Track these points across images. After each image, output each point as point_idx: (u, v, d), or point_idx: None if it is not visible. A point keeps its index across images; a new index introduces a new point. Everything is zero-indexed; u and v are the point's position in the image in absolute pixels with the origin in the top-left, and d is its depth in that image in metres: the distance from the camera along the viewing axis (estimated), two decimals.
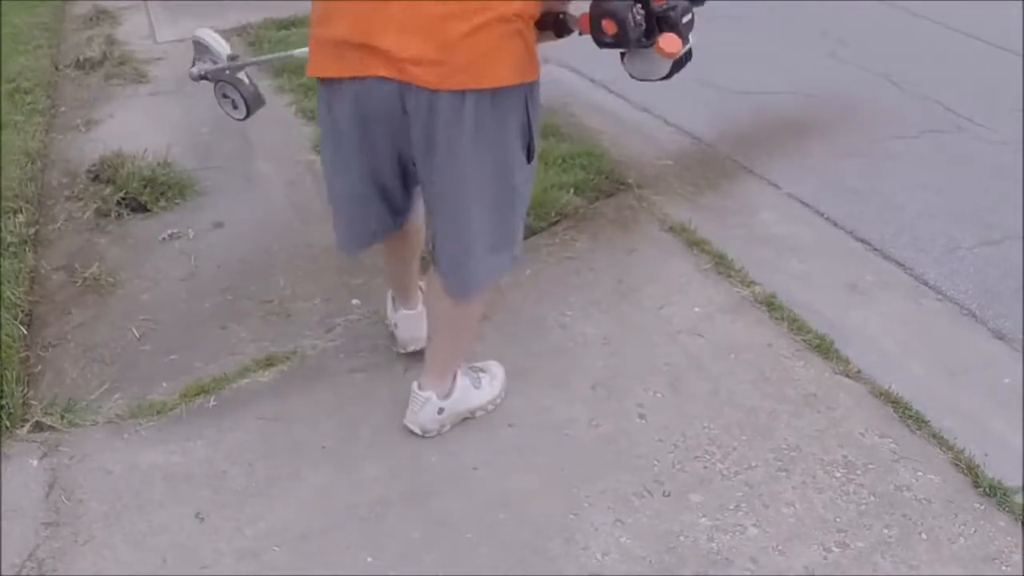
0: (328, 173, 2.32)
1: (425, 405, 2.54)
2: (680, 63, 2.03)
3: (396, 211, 2.41)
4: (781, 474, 2.59)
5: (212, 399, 2.80)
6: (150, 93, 4.79)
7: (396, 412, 2.70)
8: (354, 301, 3.20)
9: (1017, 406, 2.88)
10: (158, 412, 2.72)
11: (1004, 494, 2.53)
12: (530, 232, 3.55)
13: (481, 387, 2.65)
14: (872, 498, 2.53)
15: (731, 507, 2.47)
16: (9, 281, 3.07)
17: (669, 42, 1.92)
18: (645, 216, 3.69)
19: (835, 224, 3.81)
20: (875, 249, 3.67)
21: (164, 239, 3.50)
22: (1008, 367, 3.11)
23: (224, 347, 3.01)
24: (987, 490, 2.58)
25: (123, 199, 3.60)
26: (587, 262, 3.42)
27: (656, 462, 2.60)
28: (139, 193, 3.61)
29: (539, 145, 2.19)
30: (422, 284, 2.80)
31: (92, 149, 4.10)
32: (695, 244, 3.51)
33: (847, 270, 3.53)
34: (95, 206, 3.68)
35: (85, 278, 3.27)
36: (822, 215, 3.87)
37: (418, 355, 2.81)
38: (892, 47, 5.49)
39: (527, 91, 2.10)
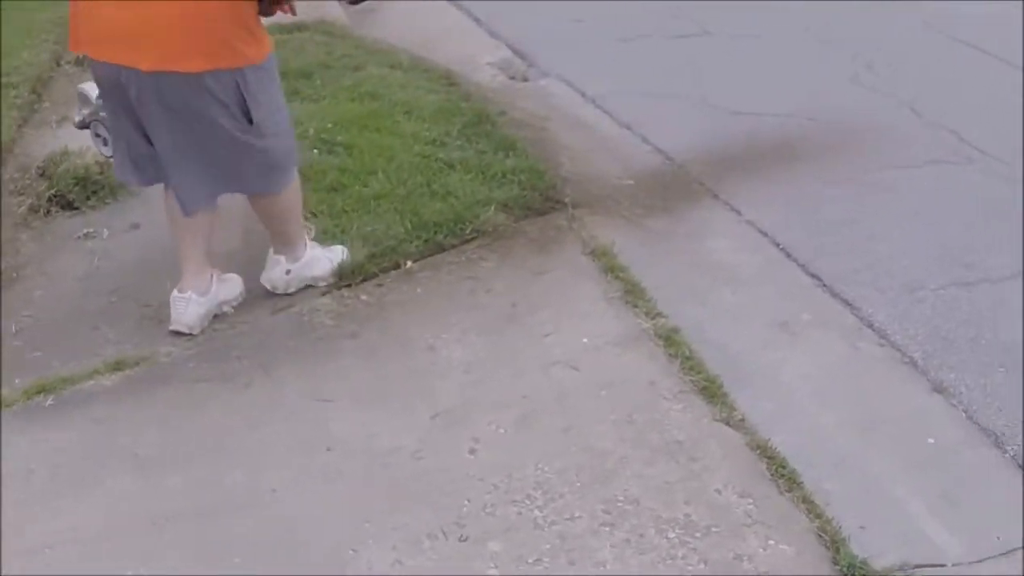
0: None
1: (275, 266, 3.04)
2: None
3: None
4: (604, 529, 2.27)
5: (51, 398, 2.71)
6: None
7: (223, 425, 2.58)
8: (227, 309, 3.02)
9: (935, 471, 2.47)
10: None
11: None
12: (438, 248, 3.32)
13: (321, 262, 3.12)
14: (702, 566, 2.19)
15: (530, 560, 2.18)
16: None
17: None
18: (570, 238, 3.40)
19: (788, 255, 3.43)
20: (824, 285, 3.28)
21: (79, 237, 3.43)
22: (938, 425, 2.70)
23: (87, 348, 2.91)
24: (845, 569, 2.19)
25: (54, 196, 3.54)
26: (487, 283, 3.15)
27: (467, 502, 2.32)
28: (69, 191, 3.54)
29: None
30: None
31: (54, 146, 4.07)
32: (612, 270, 3.20)
33: (784, 306, 3.15)
34: (30, 202, 3.64)
35: None
36: (778, 245, 3.49)
37: (263, 367, 2.81)
38: (922, 73, 4.99)
39: None
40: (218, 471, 2.45)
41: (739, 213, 3.68)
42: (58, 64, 4.95)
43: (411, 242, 3.31)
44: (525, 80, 5.01)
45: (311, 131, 4.08)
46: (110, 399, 2.70)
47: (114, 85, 2.56)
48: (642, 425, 2.57)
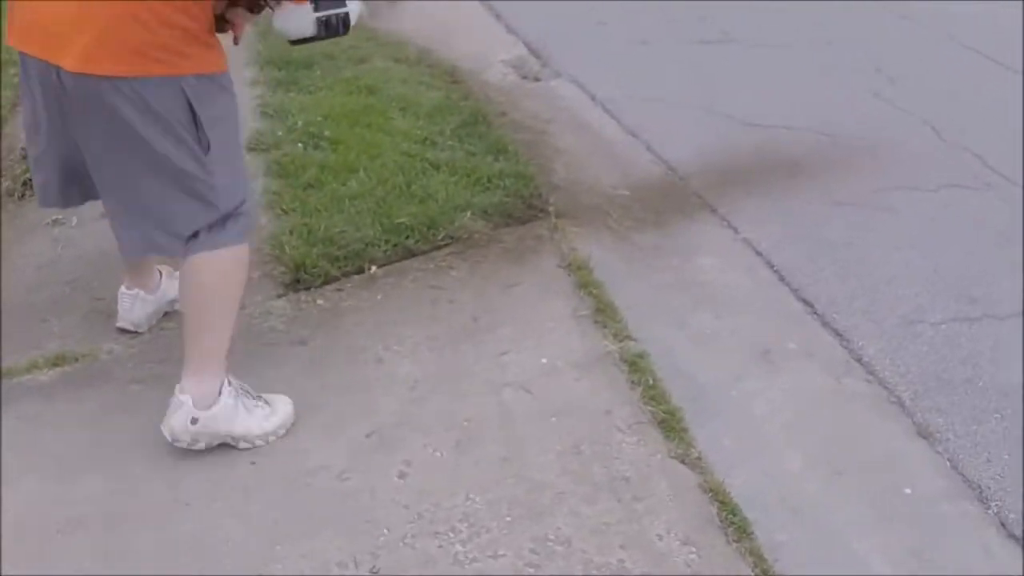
0: None
1: (178, 410, 2.27)
2: (331, 25, 1.97)
3: None
4: (528, 570, 2.12)
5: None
6: None
7: (151, 429, 2.42)
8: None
9: (906, 524, 2.28)
10: None
11: None
12: (407, 254, 3.18)
13: (252, 416, 2.34)
14: None
15: None
16: None
17: None
18: (548, 249, 3.24)
19: (782, 278, 3.24)
20: (816, 313, 3.09)
21: (48, 224, 3.35)
22: (918, 473, 2.51)
23: (31, 340, 2.82)
24: None
25: (29, 180, 3.45)
26: (451, 293, 3.01)
27: (386, 531, 2.19)
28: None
29: None
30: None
31: None
32: (585, 286, 3.04)
33: (769, 333, 2.97)
34: (7, 184, 3.56)
35: None
36: (772, 267, 3.30)
37: None
38: (948, 91, 4.74)
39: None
40: (136, 478, 2.33)
41: (736, 231, 3.49)
42: None
43: (379, 246, 3.18)
44: (536, 80, 4.85)
45: (300, 124, 3.97)
46: (43, 396, 2.60)
47: (44, 84, 2.05)
48: (589, 457, 2.41)
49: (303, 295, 2.99)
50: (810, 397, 2.74)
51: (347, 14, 2.01)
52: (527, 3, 5.69)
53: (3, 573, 1.94)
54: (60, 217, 3.36)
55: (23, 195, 3.54)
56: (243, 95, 4.10)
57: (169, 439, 2.30)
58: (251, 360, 2.70)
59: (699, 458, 2.43)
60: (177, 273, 2.58)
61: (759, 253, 3.37)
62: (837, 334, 3.00)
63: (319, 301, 2.97)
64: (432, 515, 2.24)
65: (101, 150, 2.08)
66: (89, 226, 3.35)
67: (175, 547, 2.16)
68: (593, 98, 4.56)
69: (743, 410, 2.64)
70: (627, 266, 3.24)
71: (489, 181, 3.59)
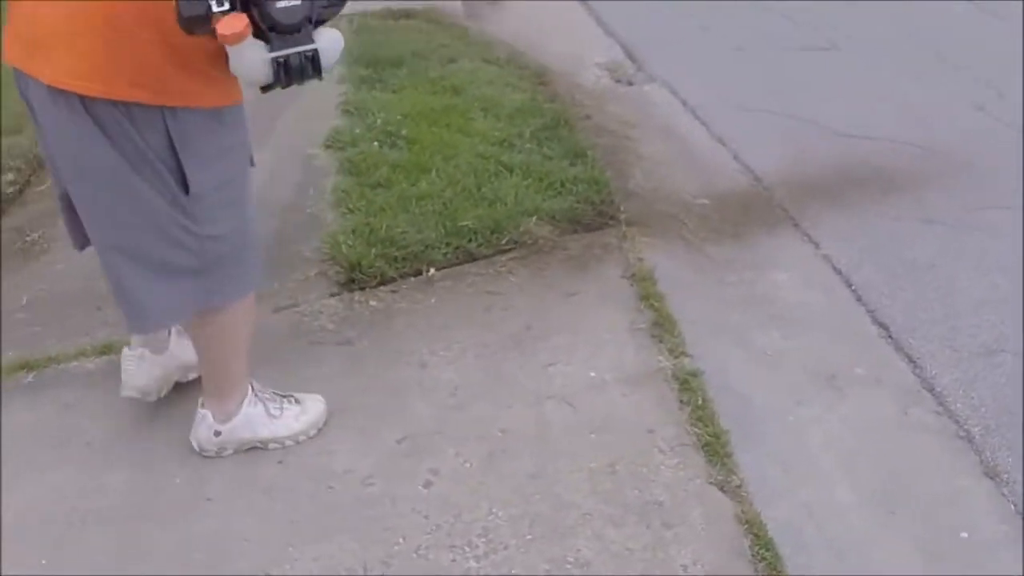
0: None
1: (201, 423, 2.31)
2: (293, 67, 1.58)
3: None
4: None
5: (32, 376, 2.70)
6: None
7: (184, 423, 2.44)
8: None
9: (960, 569, 2.15)
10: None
11: None
12: (468, 257, 3.16)
13: (280, 418, 2.35)
14: None
15: None
16: None
17: (228, 23, 1.50)
18: (615, 258, 3.17)
19: (859, 299, 3.09)
20: (891, 336, 2.92)
21: None
22: (978, 516, 2.35)
23: (83, 328, 2.91)
24: None
25: None
26: (508, 299, 2.97)
27: (402, 540, 2.16)
28: None
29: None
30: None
31: None
32: (647, 298, 2.95)
33: (837, 356, 2.83)
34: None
35: (26, 241, 3.26)
36: (850, 285, 3.15)
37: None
38: None
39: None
40: (163, 472, 2.37)
41: (817, 246, 3.33)
42: None
43: (440, 248, 3.16)
44: (629, 84, 4.77)
45: (379, 122, 3.99)
46: (86, 383, 2.66)
47: (28, 100, 1.82)
48: (623, 478, 2.32)
49: (357, 295, 2.99)
50: (872, 427, 2.58)
51: (315, 52, 1.59)
52: (628, 5, 5.62)
53: (3, 573, 1.95)
54: None
55: None
56: (328, 92, 4.25)
57: (197, 449, 2.34)
58: (295, 357, 2.72)
59: (740, 486, 2.31)
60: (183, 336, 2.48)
61: (838, 271, 3.20)
62: (910, 360, 2.82)
63: (372, 302, 2.96)
64: (451, 527, 2.19)
65: (73, 176, 1.87)
66: None
67: (190, 542, 2.18)
68: (684, 104, 4.44)
69: (797, 437, 2.50)
70: (696, 278, 3.12)
71: (562, 186, 3.52)
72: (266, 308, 2.95)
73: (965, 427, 2.58)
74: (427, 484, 2.31)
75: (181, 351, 2.48)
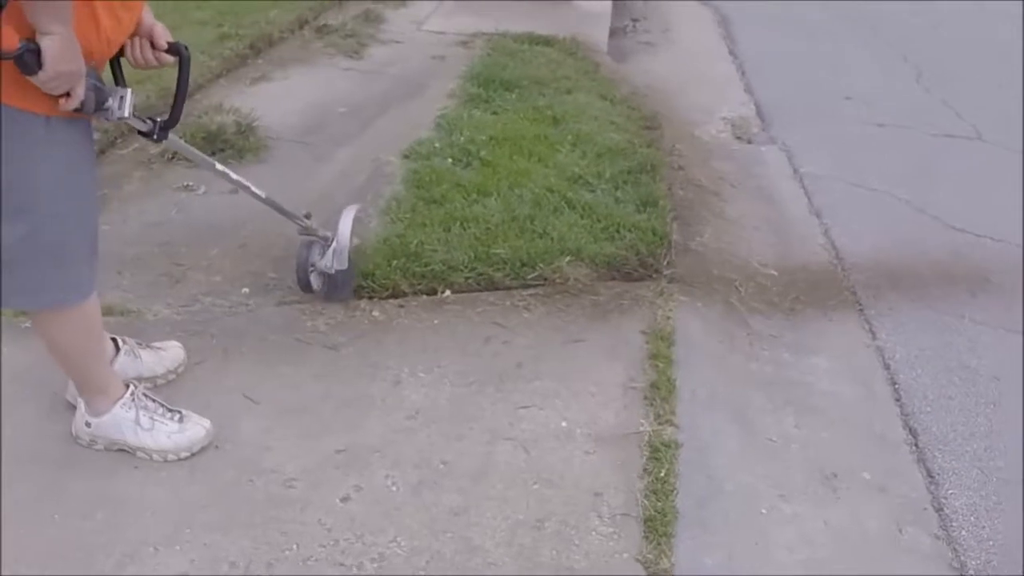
0: (90, 212, 2.18)
1: (78, 410, 2.39)
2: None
3: None
4: None
5: (27, 322, 2.81)
6: (345, 68, 5.07)
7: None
8: (244, 290, 3.11)
9: None
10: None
11: None
12: (490, 285, 3.18)
13: (151, 430, 2.37)
14: None
15: None
16: None
17: None
18: (640, 313, 3.11)
19: (898, 399, 2.92)
20: (916, 445, 2.74)
21: (177, 188, 3.67)
22: None
23: (101, 285, 3.01)
24: None
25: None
26: (511, 334, 2.97)
27: (295, 547, 2.20)
28: (195, 142, 3.78)
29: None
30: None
31: (229, 101, 4.42)
32: (656, 358, 2.88)
33: (848, 456, 2.69)
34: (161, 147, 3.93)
35: None
36: (894, 384, 2.98)
37: (225, 351, 2.81)
38: None
39: None
40: (71, 461, 2.43)
41: (873, 336, 3.17)
42: (300, 28, 5.31)
43: (464, 272, 3.18)
44: (748, 142, 4.67)
45: (462, 140, 4.08)
46: None
47: None
48: (546, 536, 2.26)
49: (363, 303, 3.05)
50: (856, 539, 2.40)
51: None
52: (779, 66, 5.50)
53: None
54: (191, 184, 3.63)
55: (172, 157, 3.85)
56: (432, 105, 4.42)
57: (74, 434, 2.40)
58: (276, 352, 2.80)
59: (666, 572, 2.19)
60: (140, 351, 2.61)
61: (887, 366, 3.02)
62: (928, 474, 2.62)
63: (375, 312, 3.02)
64: (347, 546, 2.20)
65: None
66: (212, 198, 3.61)
67: (100, 500, 2.27)
68: (796, 171, 4.30)
69: (762, 533, 2.36)
70: (722, 348, 3.01)
71: (616, 231, 3.48)
72: (270, 300, 3.04)
73: (962, 559, 2.37)
74: (345, 499, 2.32)
75: (130, 366, 2.57)
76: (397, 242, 3.26)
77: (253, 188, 2.65)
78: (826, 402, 2.85)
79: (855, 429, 2.76)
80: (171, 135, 2.31)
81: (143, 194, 3.61)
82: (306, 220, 2.83)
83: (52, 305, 2.19)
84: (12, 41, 1.78)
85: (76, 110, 1.96)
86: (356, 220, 2.95)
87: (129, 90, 2.11)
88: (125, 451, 2.41)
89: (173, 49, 2.21)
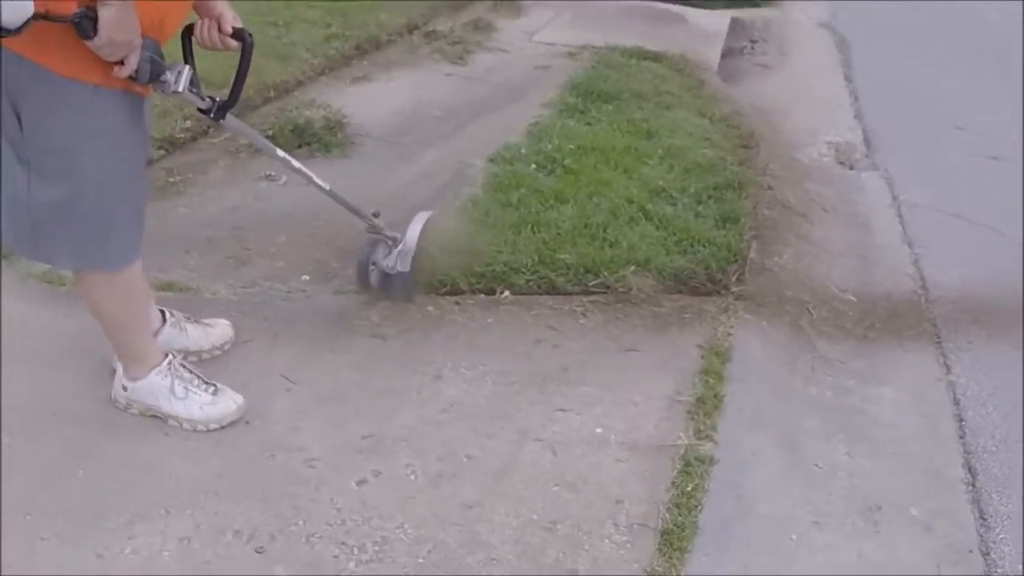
0: (133, 183, 2.26)
1: (117, 374, 2.48)
2: None
3: None
4: None
5: (64, 287, 2.97)
6: (447, 73, 5.14)
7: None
8: (304, 277, 3.18)
9: None
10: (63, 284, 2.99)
11: None
12: (550, 289, 3.17)
13: (184, 399, 2.44)
14: None
15: None
16: None
17: None
18: (701, 328, 3.05)
19: (962, 437, 2.77)
20: (973, 486, 2.61)
21: (260, 177, 3.79)
22: None
23: (164, 264, 3.16)
24: None
25: (269, 137, 3.93)
26: (563, 338, 2.95)
27: (301, 523, 2.23)
28: (282, 135, 3.92)
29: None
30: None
31: (323, 97, 4.55)
32: (708, 373, 2.82)
33: (897, 490, 2.57)
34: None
35: (169, 181, 3.70)
36: (961, 421, 2.83)
37: (274, 333, 2.88)
38: None
39: None
40: (107, 426, 2.51)
41: (947, 370, 3.02)
42: (410, 32, 5.42)
43: (525, 274, 3.18)
44: (850, 167, 4.53)
45: (548, 147, 4.09)
46: None
47: None
48: (556, 539, 2.23)
49: (420, 298, 3.06)
50: (885, 572, 2.27)
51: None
52: (894, 92, 5.32)
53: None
54: (273, 174, 3.74)
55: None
56: (527, 113, 4.55)
57: (112, 397, 2.49)
58: (324, 338, 2.86)
59: None
60: (187, 324, 2.68)
61: (956, 402, 2.87)
62: (981, 517, 2.47)
63: (429, 307, 3.04)
64: (353, 527, 2.21)
65: None
66: (293, 189, 3.70)
67: (127, 460, 2.35)
68: (894, 199, 4.15)
69: (785, 559, 2.27)
70: (781, 370, 2.91)
71: (690, 245, 3.41)
72: (328, 288, 3.10)
73: None
74: (361, 482, 2.34)
75: (175, 338, 2.65)
76: (463, 241, 3.26)
77: (316, 179, 2.70)
78: (885, 433, 2.72)
79: (910, 463, 2.62)
80: (231, 117, 2.36)
81: (225, 181, 3.73)
82: (374, 218, 2.85)
83: (90, 268, 2.27)
84: (69, 7, 1.87)
85: (131, 80, 2.03)
86: (427, 225, 2.95)
87: (188, 67, 2.16)
88: (158, 417, 2.47)
89: (237, 35, 2.27)
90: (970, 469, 2.62)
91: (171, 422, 2.46)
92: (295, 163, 2.63)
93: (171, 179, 3.71)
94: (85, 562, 2.07)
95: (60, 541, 2.12)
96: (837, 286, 3.41)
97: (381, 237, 2.92)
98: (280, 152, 2.61)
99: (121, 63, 1.99)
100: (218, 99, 2.30)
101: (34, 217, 2.12)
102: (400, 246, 2.91)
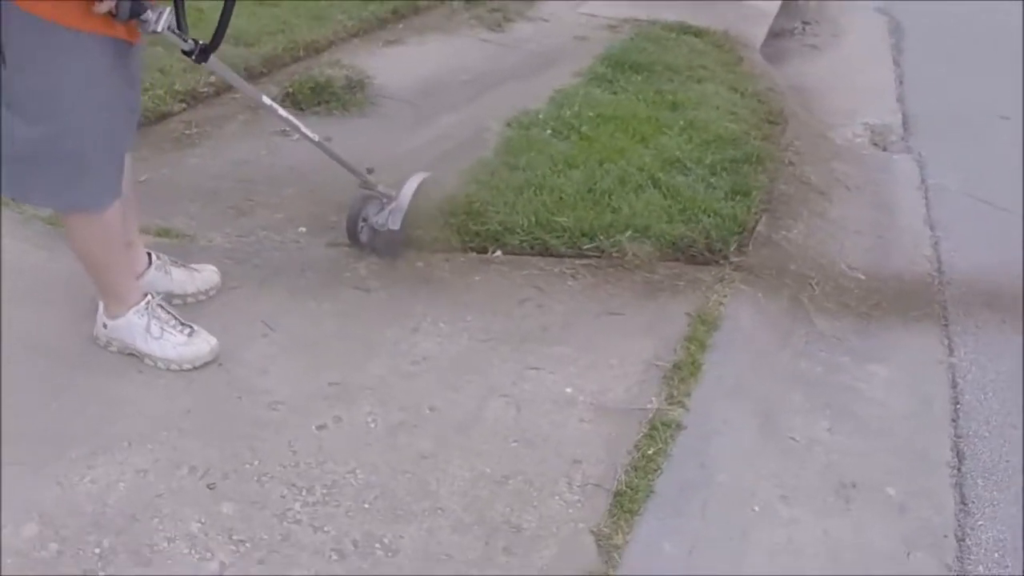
0: (113, 127, 2.29)
1: (98, 312, 2.53)
2: None
3: None
4: (326, 558, 2.05)
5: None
6: (483, 39, 5.13)
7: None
8: (301, 228, 3.20)
9: None
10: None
11: None
12: (544, 251, 3.16)
13: (160, 339, 2.48)
14: None
15: (235, 538, 2.06)
16: None
17: None
18: (693, 296, 3.00)
19: (955, 419, 2.72)
20: (959, 470, 2.55)
21: (274, 132, 3.82)
22: None
23: (165, 211, 3.25)
24: None
25: (288, 94, 3.98)
26: (549, 298, 2.93)
27: (256, 462, 2.26)
28: (300, 92, 3.95)
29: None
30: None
31: (356, 59, 4.57)
32: (692, 340, 2.77)
33: (876, 468, 2.52)
34: (272, 94, 4.09)
35: (185, 133, 3.76)
36: (956, 404, 2.75)
37: (262, 281, 2.92)
38: None
39: None
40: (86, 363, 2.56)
41: (950, 351, 2.94)
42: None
43: (520, 235, 3.16)
44: (884, 149, 4.41)
45: (568, 114, 4.07)
46: None
47: None
48: (506, 493, 2.22)
49: (413, 253, 3.07)
50: (853, 555, 2.21)
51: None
52: (944, 79, 5.17)
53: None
54: (288, 130, 3.76)
55: (282, 103, 3.97)
56: (556, 81, 4.54)
57: (94, 336, 2.54)
58: (310, 288, 2.87)
59: (618, 548, 2.10)
60: (172, 268, 2.74)
61: (954, 385, 2.79)
62: (962, 502, 2.39)
63: (419, 263, 3.04)
64: (305, 469, 2.22)
65: None
66: (304, 144, 3.69)
67: (96, 395, 2.40)
68: (923, 182, 4.03)
69: (743, 531, 2.22)
70: (772, 341, 2.85)
71: (694, 214, 3.35)
72: (322, 240, 3.11)
73: None
74: (321, 427, 2.35)
75: (159, 280, 2.71)
76: (462, 200, 3.24)
77: (304, 129, 2.71)
78: (873, 411, 2.64)
79: (895, 443, 2.55)
80: (214, 59, 2.37)
81: (240, 135, 3.77)
82: (367, 175, 2.85)
83: (68, 209, 2.32)
84: None
85: (111, 16, 2.07)
86: (422, 185, 2.95)
87: (169, 8, 2.19)
88: (135, 356, 2.50)
89: None
90: (958, 453, 2.54)
91: (147, 361, 2.50)
92: (281, 112, 2.64)
93: (187, 131, 3.76)
94: (44, 489, 2.11)
95: (22, 468, 2.15)
96: (847, 263, 3.33)
97: (374, 193, 2.91)
98: (266, 99, 2.61)
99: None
100: (200, 42, 2.30)
101: (13, 155, 2.15)
102: (393, 204, 2.90)
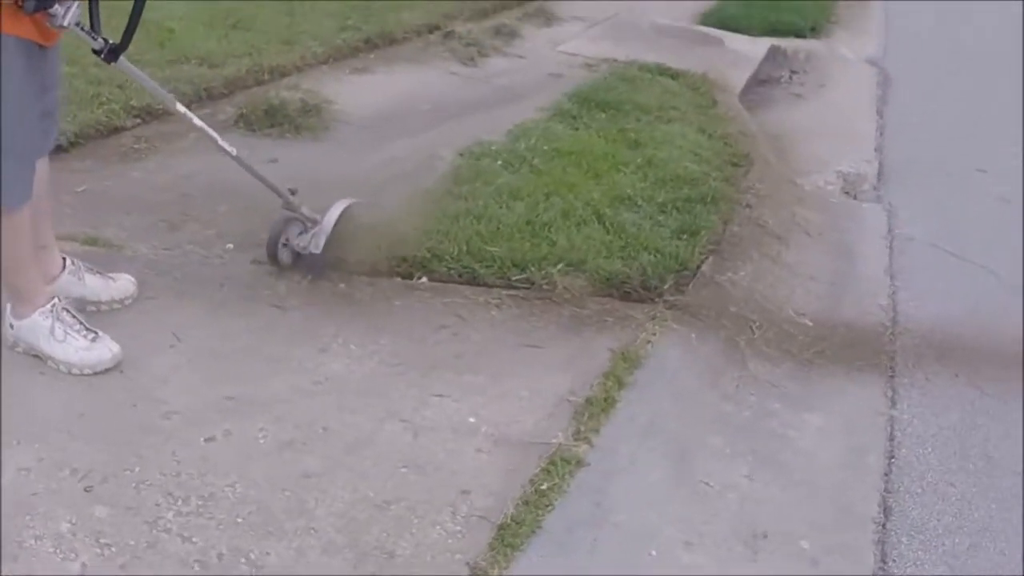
0: (20, 130, 2.32)
1: (4, 311, 2.57)
2: None
3: None
4: (190, 568, 2.02)
5: None
6: (452, 72, 5.18)
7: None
8: (228, 245, 3.21)
9: None
10: None
11: None
12: (471, 279, 3.15)
13: (63, 342, 2.51)
14: None
15: (101, 541, 2.05)
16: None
17: None
18: (620, 332, 2.99)
19: (886, 475, 2.66)
20: (884, 527, 2.49)
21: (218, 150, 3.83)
22: None
23: (99, 221, 3.31)
24: None
25: (241, 115, 4.01)
26: (467, 328, 2.93)
27: (136, 469, 2.26)
28: (254, 114, 3.98)
29: None
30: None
31: (317, 84, 4.61)
32: (610, 377, 2.76)
33: (791, 520, 2.45)
34: (226, 113, 4.14)
35: (133, 147, 3.81)
36: (891, 458, 2.71)
37: (178, 294, 2.94)
38: None
39: None
40: None
41: (892, 404, 2.90)
42: (430, 32, 5.48)
43: (448, 263, 3.16)
44: (854, 198, 4.39)
45: (522, 147, 4.09)
46: None
47: None
48: (385, 519, 2.20)
49: (336, 276, 3.07)
50: None
51: None
52: (926, 131, 5.20)
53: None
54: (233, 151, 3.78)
55: (236, 123, 4.04)
56: (520, 115, 4.59)
57: (2, 335, 2.56)
58: (225, 302, 2.89)
59: None
60: (87, 275, 2.76)
61: (892, 438, 2.75)
62: (883, 559, 2.34)
63: (341, 285, 3.05)
64: (185, 480, 2.22)
65: None
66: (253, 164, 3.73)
67: None
68: (890, 231, 4.02)
69: (630, 573, 2.17)
70: (699, 383, 2.83)
71: (633, 251, 3.34)
72: (247, 257, 3.11)
73: None
74: (210, 439, 2.35)
75: (72, 287, 2.74)
76: (394, 225, 3.24)
77: (220, 142, 2.74)
78: (799, 460, 2.61)
79: (818, 494, 2.50)
80: (124, 61, 2.39)
81: (189, 151, 3.80)
82: (290, 196, 2.87)
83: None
84: None
85: (18, 6, 2.12)
86: (347, 211, 2.98)
87: (76, 3, 2.21)
88: (40, 357, 2.52)
89: None
90: (885, 508, 2.49)
91: (49, 363, 2.53)
92: (196, 121, 2.65)
93: (136, 146, 3.81)
94: None
95: None
96: (795, 309, 3.31)
97: (297, 215, 2.92)
98: (180, 107, 2.64)
99: None
100: (111, 41, 2.32)
101: None
102: (316, 227, 2.90)
